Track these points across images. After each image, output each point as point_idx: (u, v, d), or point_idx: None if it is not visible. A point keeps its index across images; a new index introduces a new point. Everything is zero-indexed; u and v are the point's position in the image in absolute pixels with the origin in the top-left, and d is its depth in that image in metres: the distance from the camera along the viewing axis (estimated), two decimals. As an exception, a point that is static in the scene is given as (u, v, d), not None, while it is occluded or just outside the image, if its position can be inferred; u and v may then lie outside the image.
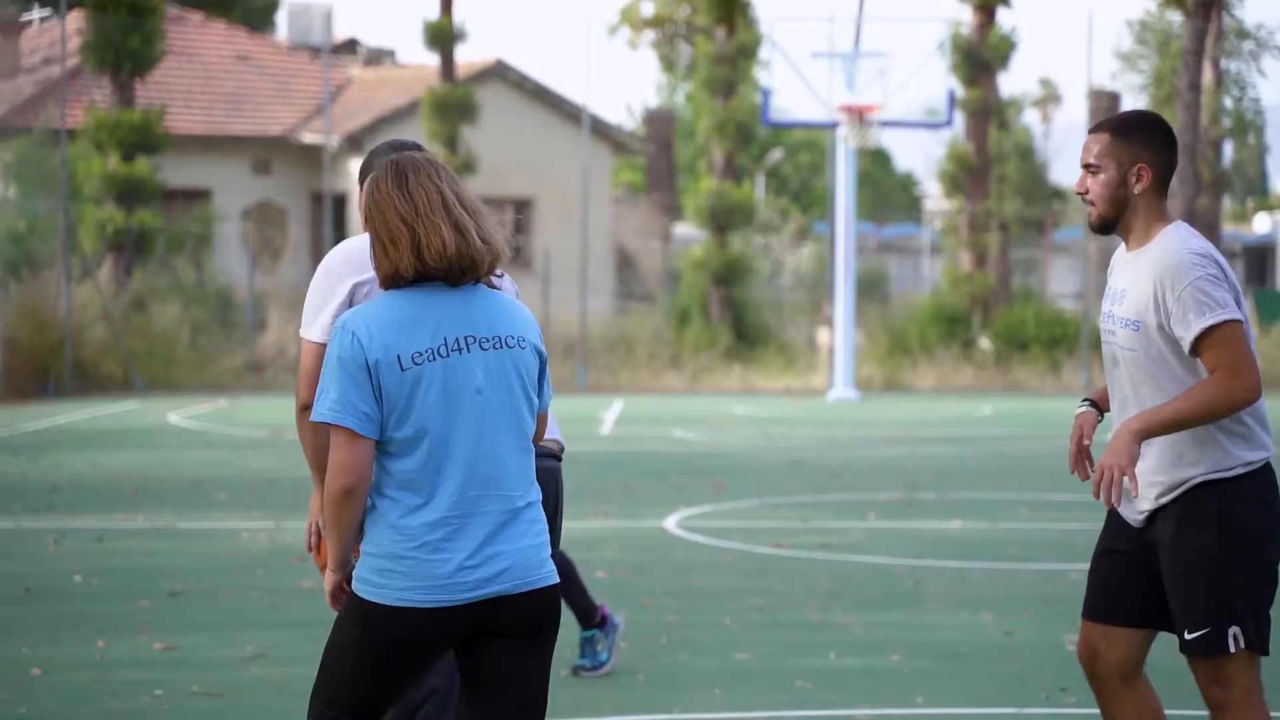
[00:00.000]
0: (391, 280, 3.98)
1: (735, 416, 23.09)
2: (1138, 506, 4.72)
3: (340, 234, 32.88)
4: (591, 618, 7.40)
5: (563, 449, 5.44)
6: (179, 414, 22.34)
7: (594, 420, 21.73)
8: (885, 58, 26.87)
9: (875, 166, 52.18)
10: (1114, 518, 4.81)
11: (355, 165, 33.80)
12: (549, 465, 4.79)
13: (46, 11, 35.27)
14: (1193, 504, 4.62)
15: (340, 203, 33.50)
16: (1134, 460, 4.52)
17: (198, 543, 11.38)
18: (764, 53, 31.11)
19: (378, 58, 39.58)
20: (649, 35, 42.29)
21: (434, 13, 30.81)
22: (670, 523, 12.36)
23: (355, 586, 4.00)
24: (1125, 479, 4.52)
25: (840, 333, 26.94)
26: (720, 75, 30.96)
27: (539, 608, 4.01)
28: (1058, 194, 41.68)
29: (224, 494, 13.91)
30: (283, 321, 28.04)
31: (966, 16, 31.17)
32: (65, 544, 11.29)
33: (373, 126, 33.65)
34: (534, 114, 34.76)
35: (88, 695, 7.11)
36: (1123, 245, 4.81)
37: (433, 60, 32.15)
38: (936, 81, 27.98)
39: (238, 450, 17.63)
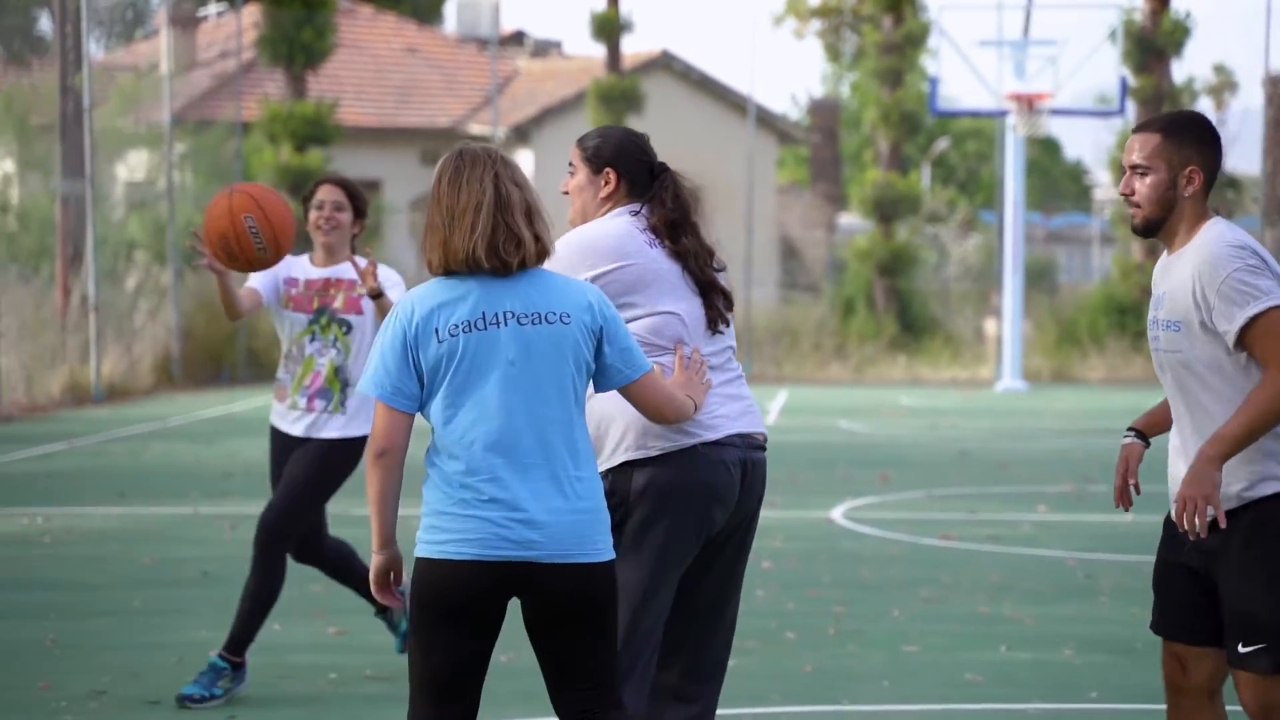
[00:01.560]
0: (431, 269, 4.19)
1: (901, 407, 22.94)
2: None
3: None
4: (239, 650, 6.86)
5: (765, 439, 5.33)
6: (349, 402, 22.66)
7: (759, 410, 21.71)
8: (1055, 45, 26.52)
9: (1044, 155, 51.53)
10: (1171, 524, 4.67)
11: (522, 156, 34.06)
12: (758, 458, 4.74)
13: (223, 6, 35.93)
14: (1264, 515, 4.46)
15: (507, 193, 33.71)
16: (1216, 487, 4.37)
17: (369, 529, 11.53)
18: (932, 41, 30.85)
19: (545, 49, 39.82)
20: (815, 24, 42.12)
21: (601, 4, 30.95)
22: (837, 514, 12.31)
23: (415, 553, 4.18)
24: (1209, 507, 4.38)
25: (1008, 323, 26.65)
26: (887, 64, 30.75)
27: (579, 583, 4.10)
28: (1232, 183, 40.87)
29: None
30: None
31: (1139, 2, 30.66)
32: (240, 530, 11.50)
33: (539, 118, 33.88)
34: (699, 104, 34.76)
35: (264, 678, 7.24)
36: (1165, 254, 4.65)
37: (599, 51, 32.29)
38: (1107, 69, 27.58)
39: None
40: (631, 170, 4.78)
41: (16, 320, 21.56)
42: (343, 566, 7.26)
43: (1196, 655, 4.61)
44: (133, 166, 30.82)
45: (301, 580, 9.50)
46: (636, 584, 4.55)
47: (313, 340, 6.90)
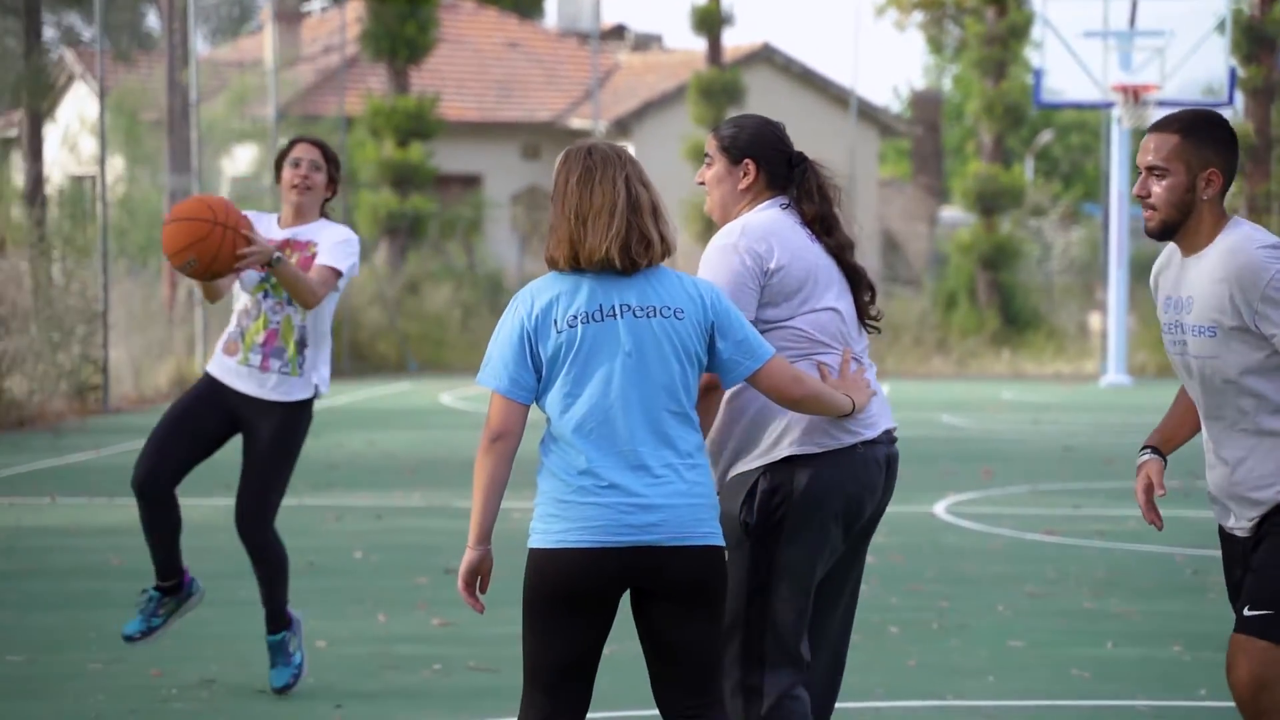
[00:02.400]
0: (553, 265, 4.20)
1: (1004, 402, 22.78)
2: (1247, 514, 4.51)
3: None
4: (279, 620, 6.80)
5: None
6: (451, 395, 22.80)
7: (860, 404, 21.63)
8: (1162, 36, 26.21)
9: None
10: (1225, 544, 4.59)
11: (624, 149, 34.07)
12: (895, 452, 4.72)
13: (326, 2, 36.23)
14: None
15: (607, 187, 33.77)
16: None
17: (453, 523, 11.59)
18: (1035, 32, 30.59)
19: (645, 43, 39.85)
20: (917, 16, 41.88)
21: (701, -3, 30.92)
22: (939, 508, 12.25)
23: (528, 542, 4.19)
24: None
25: (1113, 317, 26.40)
26: (990, 56, 30.53)
27: (697, 565, 4.13)
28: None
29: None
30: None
31: (1248, -8, 30.24)
32: (346, 520, 11.60)
33: (640, 111, 33.90)
34: (800, 97, 34.66)
35: (370, 668, 7.30)
36: (1170, 252, 4.55)
37: (700, 44, 32.25)
38: (1215, 59, 27.20)
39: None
40: (770, 160, 4.68)
41: (125, 313, 21.86)
42: (174, 526, 6.81)
43: None
44: (238, 161, 31.15)
45: (406, 572, 9.57)
46: (801, 575, 4.53)
47: (265, 297, 6.64)
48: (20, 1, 27.41)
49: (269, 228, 6.79)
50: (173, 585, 6.82)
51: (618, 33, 40.25)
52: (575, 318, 4.15)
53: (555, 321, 4.15)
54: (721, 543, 4.21)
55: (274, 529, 6.81)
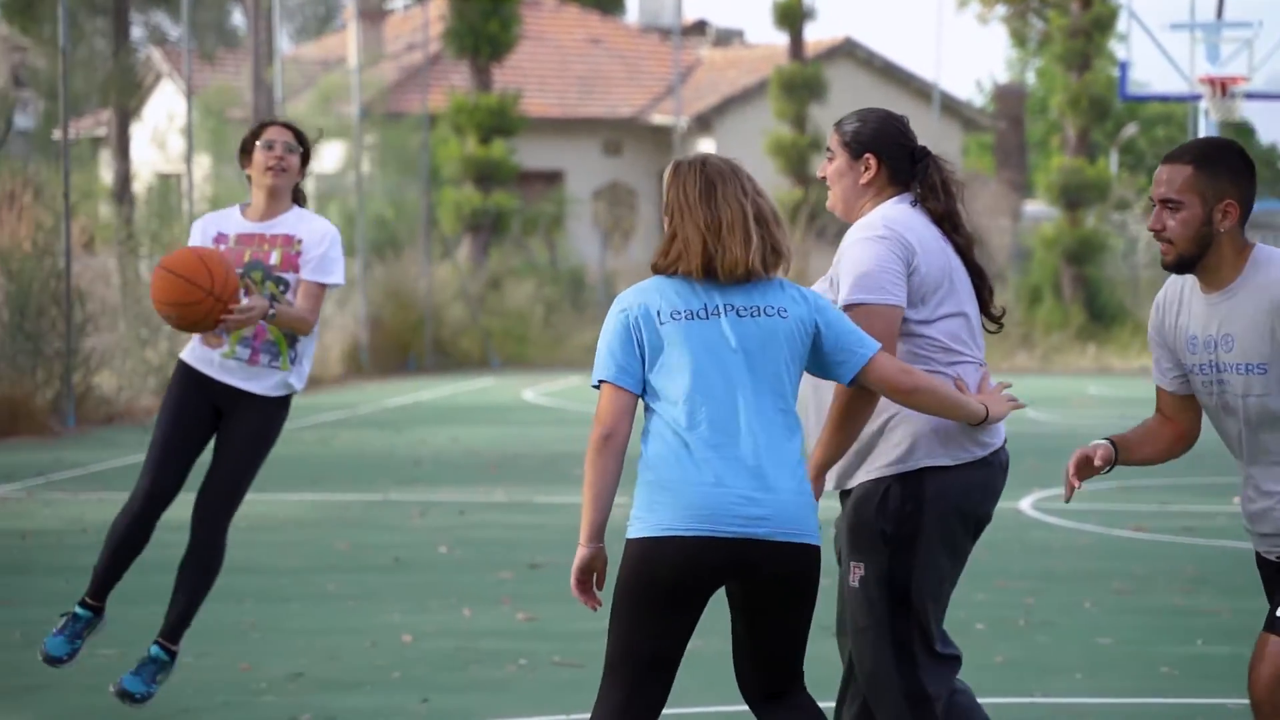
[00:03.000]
0: (661, 271, 4.23)
1: (1090, 397, 22.61)
2: None
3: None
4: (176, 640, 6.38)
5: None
6: (533, 391, 22.87)
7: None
8: (1251, 27, 25.92)
9: (1237, 140, 50.36)
10: (1265, 569, 4.52)
11: (704, 145, 34.07)
12: (1007, 454, 4.68)
13: (410, 0, 36.40)
14: None
15: (689, 183, 33.75)
16: None
17: (555, 516, 11.63)
18: (1120, 25, 30.33)
19: (727, 38, 39.80)
20: (999, 9, 41.62)
21: (783, -8, 30.85)
22: (1025, 504, 12.17)
23: (627, 533, 4.19)
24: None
25: (1200, 312, 26.13)
26: (1074, 49, 30.30)
27: (801, 562, 4.17)
28: None
29: (579, 470, 14.17)
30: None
31: (1338, -18, 29.87)
32: (430, 516, 11.66)
33: (721, 107, 33.87)
34: (882, 91, 34.52)
35: (455, 662, 7.34)
36: (1179, 290, 4.40)
37: (781, 39, 32.18)
38: (1305, 50, 26.86)
39: (590, 427, 17.96)
40: (892, 155, 4.59)
41: (211, 310, 22.02)
42: (143, 544, 6.55)
43: None
44: (322, 159, 31.34)
45: (490, 567, 9.61)
46: (939, 582, 4.51)
47: (245, 294, 6.24)
48: (109, 1, 27.66)
49: (232, 221, 6.45)
50: (100, 607, 6.42)
51: (699, 28, 40.22)
52: (679, 314, 4.19)
53: (659, 315, 4.19)
54: (819, 542, 4.21)
55: (227, 532, 6.52)
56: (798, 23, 30.87)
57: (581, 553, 4.21)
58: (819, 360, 4.28)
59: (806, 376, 4.41)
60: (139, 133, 31.44)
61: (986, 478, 4.56)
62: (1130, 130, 51.77)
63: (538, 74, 34.92)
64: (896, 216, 4.52)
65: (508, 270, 28.49)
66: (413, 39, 33.98)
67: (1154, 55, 26.56)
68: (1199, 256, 4.30)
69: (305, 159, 6.46)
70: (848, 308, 4.44)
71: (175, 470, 6.45)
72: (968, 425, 4.47)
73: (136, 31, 31.57)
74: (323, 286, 6.37)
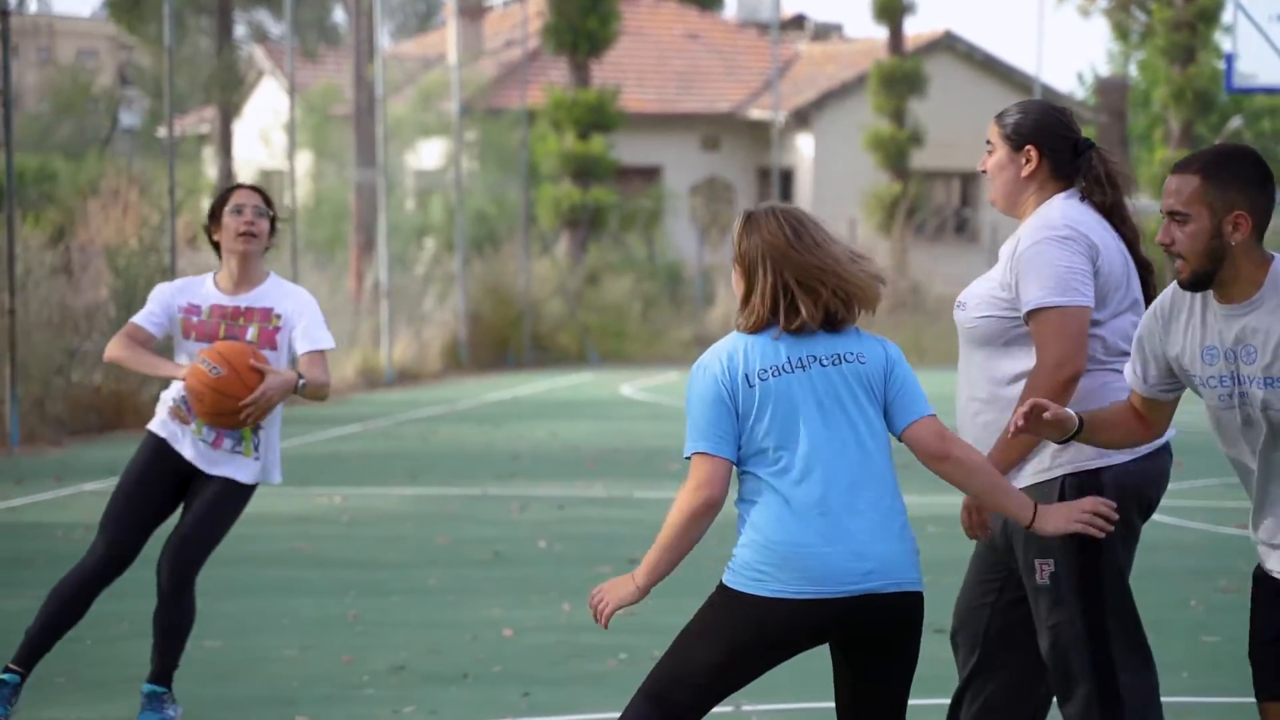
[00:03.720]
0: (749, 330, 4.12)
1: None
2: None
3: (787, 209, 33.13)
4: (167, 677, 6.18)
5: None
6: (631, 386, 22.89)
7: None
8: (1360, 17, 25.52)
9: (1254, 147, 49.57)
10: (1264, 587, 4.43)
11: (803, 140, 33.99)
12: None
13: (508, -4, 36.55)
14: None
15: (787, 178, 33.73)
16: None
17: (654, 512, 11.64)
18: (1226, 16, 29.97)
19: (825, 32, 39.68)
20: (1101, 2, 41.24)
21: (882, -15, 30.71)
22: (1128, 501, 12.05)
23: (728, 579, 4.12)
24: None
25: (1307, 307, 25.78)
26: (1178, 41, 29.98)
27: (907, 611, 4.10)
28: None
29: (676, 465, 14.19)
30: (730, 296, 28.45)
31: None
32: (529, 510, 11.70)
33: (820, 101, 33.77)
34: (983, 85, 34.29)
35: (555, 656, 7.36)
36: (1179, 299, 4.21)
37: (881, 33, 32.03)
38: None
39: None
40: (1053, 147, 4.52)
41: (313, 306, 22.23)
42: (84, 612, 6.19)
43: None
44: (422, 156, 31.54)
45: (589, 562, 9.63)
46: (1123, 572, 4.52)
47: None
48: (213, 0, 27.95)
49: (204, 292, 6.16)
50: (26, 675, 6.11)
51: (797, 23, 40.11)
52: (766, 371, 4.11)
53: (747, 376, 4.10)
54: (922, 588, 4.15)
55: (194, 585, 6.18)
56: (897, 16, 30.72)
57: (630, 593, 4.09)
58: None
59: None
60: (241, 129, 31.76)
61: (1161, 466, 4.53)
62: (1235, 123, 51.15)
63: (636, 69, 34.95)
64: (1075, 215, 4.45)
65: (605, 265, 28.55)
66: (512, 35, 34.11)
67: (1261, 47, 26.19)
68: (1213, 272, 4.10)
69: (274, 223, 6.18)
70: (1037, 311, 4.36)
71: (136, 532, 6.12)
72: None
73: (239, 29, 31.88)
74: (323, 353, 6.17)
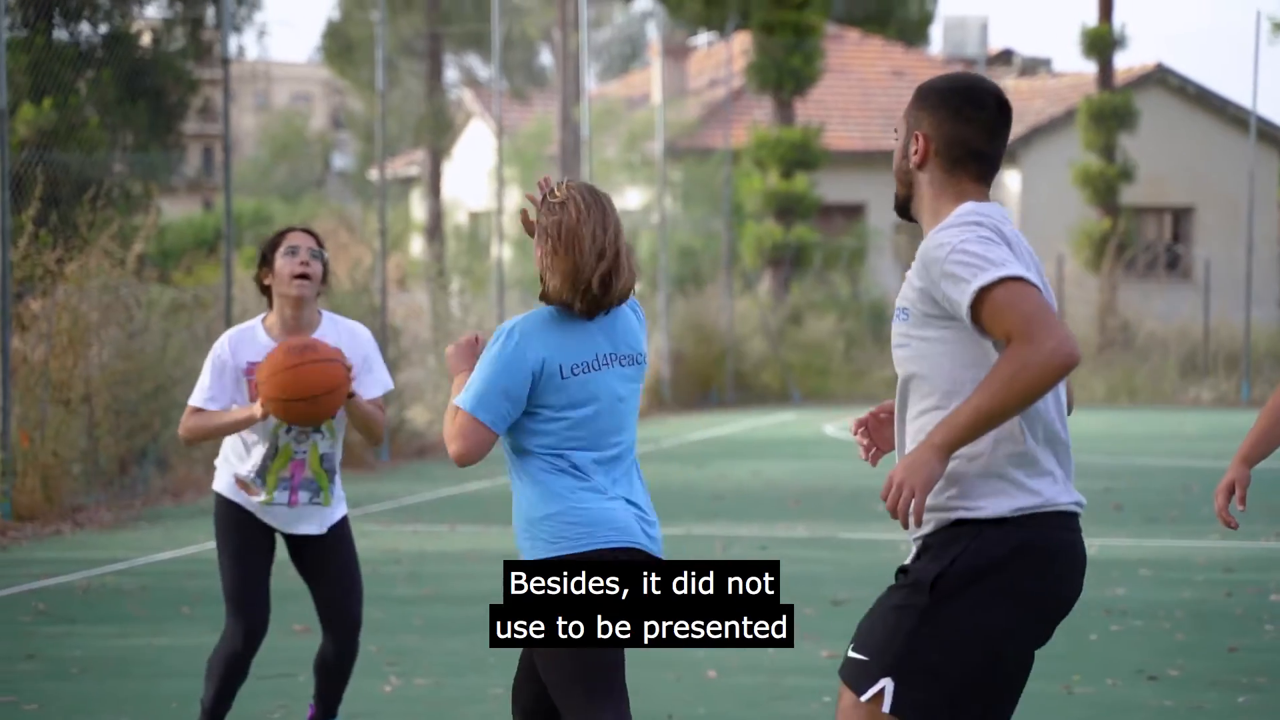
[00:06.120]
0: (549, 299, 4.46)
1: None
2: None
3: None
4: None
5: None
6: (834, 425, 22.80)
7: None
8: None
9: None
10: None
11: (1009, 176, 33.64)
12: None
13: (713, 35, 36.73)
14: None
15: (994, 214, 33.34)
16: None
17: (858, 553, 11.58)
18: None
19: (1033, 67, 39.26)
20: (1319, 32, 40.23)
21: (1092, 19, 30.33)
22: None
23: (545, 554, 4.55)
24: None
25: None
26: (1400, 71, 29.14)
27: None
28: None
29: (880, 505, 14.09)
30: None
31: None
32: (731, 550, 11.70)
33: (1027, 137, 33.40)
34: (1195, 119, 33.66)
35: (758, 698, 7.35)
36: None
37: (1089, 68, 31.60)
38: None
39: (892, 463, 17.83)
40: None
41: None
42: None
43: None
44: (627, 198, 31.77)
45: (792, 603, 9.59)
46: None
47: (288, 430, 5.85)
48: (424, 45, 28.48)
49: (259, 345, 5.91)
50: None
51: (1004, 58, 39.74)
52: (579, 366, 4.51)
53: (560, 368, 4.49)
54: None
55: (361, 627, 6.15)
56: (1107, 50, 30.29)
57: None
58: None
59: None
60: (450, 171, 32.29)
61: None
62: None
63: (840, 107, 34.89)
64: None
65: (808, 304, 28.49)
66: (716, 75, 34.26)
67: None
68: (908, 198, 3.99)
69: (325, 267, 5.95)
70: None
71: (262, 604, 6.00)
72: None
73: (449, 73, 32.45)
74: (380, 396, 6.00)
